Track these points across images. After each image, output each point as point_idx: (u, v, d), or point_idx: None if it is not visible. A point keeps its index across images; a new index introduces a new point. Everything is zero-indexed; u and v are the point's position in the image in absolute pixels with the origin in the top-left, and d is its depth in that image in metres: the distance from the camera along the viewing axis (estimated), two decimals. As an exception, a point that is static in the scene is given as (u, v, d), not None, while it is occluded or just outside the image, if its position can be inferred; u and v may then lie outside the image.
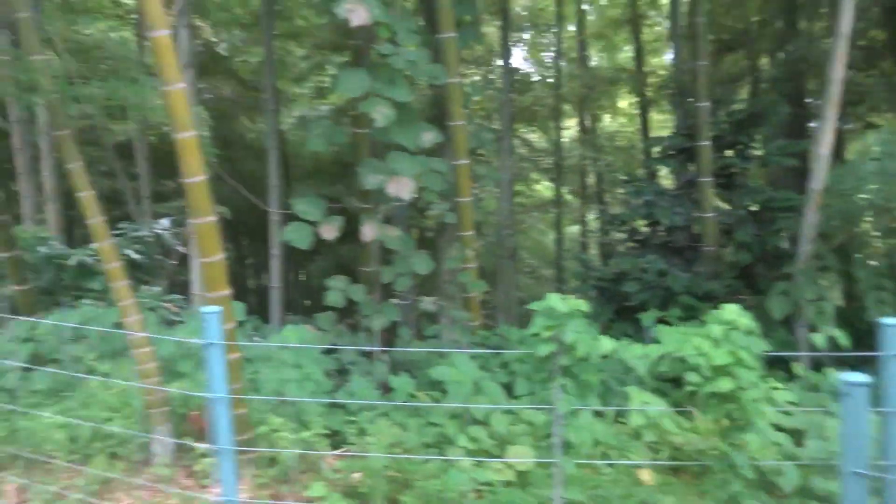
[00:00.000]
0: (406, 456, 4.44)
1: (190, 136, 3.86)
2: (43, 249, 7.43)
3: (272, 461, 4.54)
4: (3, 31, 7.03)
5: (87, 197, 4.15)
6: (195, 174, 3.90)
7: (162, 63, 3.69)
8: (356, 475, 4.56)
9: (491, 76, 13.36)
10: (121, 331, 4.94)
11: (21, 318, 5.91)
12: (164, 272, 8.39)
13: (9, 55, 4.15)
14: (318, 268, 13.90)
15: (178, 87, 3.77)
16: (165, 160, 12.61)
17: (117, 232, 8.17)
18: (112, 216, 7.20)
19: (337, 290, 6.71)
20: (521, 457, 4.75)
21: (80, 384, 5.03)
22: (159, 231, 8.45)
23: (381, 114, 5.52)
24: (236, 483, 3.22)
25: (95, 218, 4.18)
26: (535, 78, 16.26)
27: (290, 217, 6.52)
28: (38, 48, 4.01)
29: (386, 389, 6.36)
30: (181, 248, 8.38)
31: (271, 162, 9.13)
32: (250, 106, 14.11)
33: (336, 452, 4.80)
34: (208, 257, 4.08)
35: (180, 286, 8.16)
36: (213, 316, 3.02)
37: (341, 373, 6.53)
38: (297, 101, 14.98)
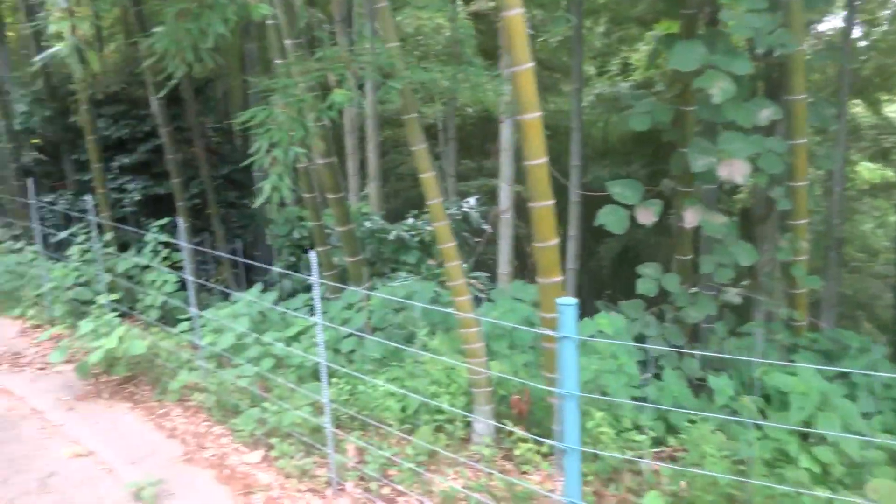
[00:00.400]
0: (757, 482, 3.96)
1: (535, 118, 3.75)
2: (367, 224, 8.07)
3: (594, 456, 4.36)
4: (342, 24, 7.70)
5: (428, 178, 4.27)
6: (537, 156, 3.79)
7: (513, 43, 3.61)
8: (682, 484, 4.22)
9: (818, 42, 11.80)
10: (447, 309, 5.08)
11: (353, 287, 6.43)
12: (470, 250, 8.68)
13: (372, 43, 4.39)
14: (607, 250, 13.59)
15: (526, 67, 3.67)
16: (466, 141, 13.19)
17: (426, 211, 8.65)
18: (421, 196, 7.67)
19: (649, 277, 6.34)
20: (888, 494, 4.02)
21: (406, 355, 5.29)
22: (467, 210, 8.76)
23: (719, 89, 4.99)
24: (580, 485, 3.05)
25: (435, 199, 4.29)
26: (863, 43, 14.09)
27: (588, 198, 6.27)
28: (394, 36, 4.20)
29: (698, 387, 5.89)
30: (487, 227, 8.61)
31: (574, 141, 8.95)
32: (545, 86, 14.15)
33: (666, 465, 4.47)
34: (544, 242, 3.97)
35: (486, 264, 8.39)
36: (568, 308, 2.85)
37: (645, 364, 6.19)
38: (591, 79, 14.68)
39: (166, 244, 8.28)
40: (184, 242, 6.03)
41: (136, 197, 10.44)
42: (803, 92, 5.85)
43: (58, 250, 8.53)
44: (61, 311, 6.82)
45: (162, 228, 8.51)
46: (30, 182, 7.77)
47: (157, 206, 10.73)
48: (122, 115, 10.55)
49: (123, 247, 9.16)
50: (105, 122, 10.42)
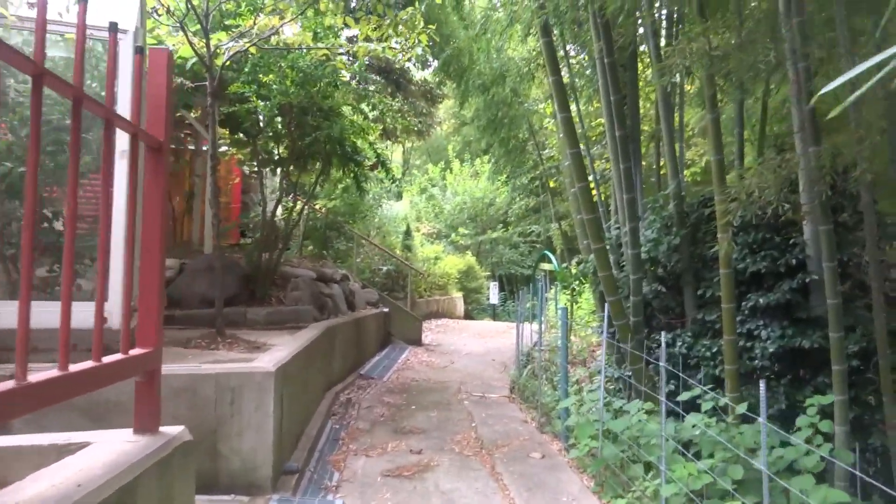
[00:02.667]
0: None
1: None
2: None
3: None
4: None
5: None
6: None
7: None
8: None
9: None
10: None
11: None
12: None
13: None
14: None
15: None
16: None
17: None
18: None
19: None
20: None
21: None
22: None
23: None
24: None
25: None
26: None
27: None
28: None
29: None
30: None
31: None
32: None
33: None
34: None
35: None
36: None
37: None
38: None
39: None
40: None
41: (770, 348, 8.01)
42: None
43: (669, 402, 6.65)
44: (683, 524, 4.70)
45: (822, 411, 5.90)
46: (658, 323, 6.11)
47: (797, 364, 8.11)
48: (760, 244, 8.38)
49: (749, 410, 6.82)
50: (737, 252, 8.41)
